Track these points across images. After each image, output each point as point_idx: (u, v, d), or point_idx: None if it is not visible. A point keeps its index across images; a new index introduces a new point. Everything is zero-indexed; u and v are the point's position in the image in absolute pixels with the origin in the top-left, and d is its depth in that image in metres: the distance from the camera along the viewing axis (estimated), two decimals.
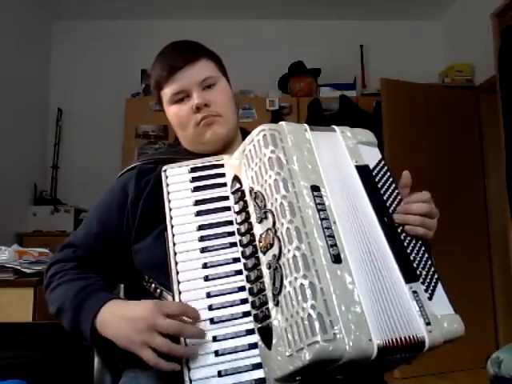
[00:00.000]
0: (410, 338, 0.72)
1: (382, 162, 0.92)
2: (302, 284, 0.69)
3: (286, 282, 0.71)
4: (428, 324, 0.75)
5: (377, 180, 0.89)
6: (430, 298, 0.79)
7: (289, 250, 0.72)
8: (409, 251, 0.83)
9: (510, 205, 2.87)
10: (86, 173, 3.96)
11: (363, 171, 0.88)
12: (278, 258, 0.73)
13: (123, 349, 0.81)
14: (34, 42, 4.03)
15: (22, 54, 3.78)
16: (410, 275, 0.79)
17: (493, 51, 3.07)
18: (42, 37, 4.19)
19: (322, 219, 0.76)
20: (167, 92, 1.04)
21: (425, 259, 0.83)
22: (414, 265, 0.81)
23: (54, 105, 4.16)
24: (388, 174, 0.91)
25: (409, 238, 0.85)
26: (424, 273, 0.81)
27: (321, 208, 0.78)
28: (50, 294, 0.98)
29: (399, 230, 0.84)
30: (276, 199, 0.76)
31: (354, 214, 0.82)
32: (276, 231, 0.75)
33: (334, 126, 0.93)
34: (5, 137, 3.45)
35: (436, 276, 0.82)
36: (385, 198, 0.87)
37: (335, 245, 0.75)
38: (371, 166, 0.90)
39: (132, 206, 0.99)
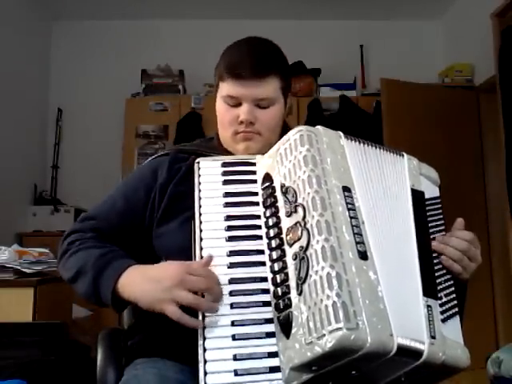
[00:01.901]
0: (411, 342, 0.73)
1: (438, 200, 0.97)
2: (328, 273, 0.70)
3: (311, 272, 0.72)
4: (433, 337, 0.76)
5: (427, 209, 0.93)
6: (443, 321, 0.81)
7: (318, 241, 0.73)
8: (437, 275, 0.86)
9: (510, 205, 2.87)
10: (86, 173, 3.96)
11: (417, 195, 0.92)
12: (305, 249, 0.74)
13: (146, 308, 0.83)
14: (34, 42, 4.03)
15: (22, 54, 3.78)
16: (429, 290, 0.82)
17: (493, 51, 3.07)
18: (42, 37, 4.19)
19: (351, 217, 0.78)
20: (223, 89, 1.04)
21: (450, 290, 0.87)
22: (438, 288, 0.84)
23: (54, 105, 4.16)
24: (439, 211, 0.95)
25: (441, 267, 0.88)
26: (445, 299, 0.84)
27: (351, 207, 0.80)
28: (67, 259, 0.98)
29: (434, 255, 0.88)
30: (308, 193, 0.78)
31: (390, 223, 0.85)
32: (305, 224, 0.76)
33: (403, 153, 0.97)
34: (5, 137, 3.44)
35: (456, 309, 0.86)
36: (430, 225, 0.91)
37: (362, 242, 0.77)
38: (426, 196, 0.94)
39: (160, 189, 1.02)
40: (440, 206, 0.96)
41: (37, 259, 2.07)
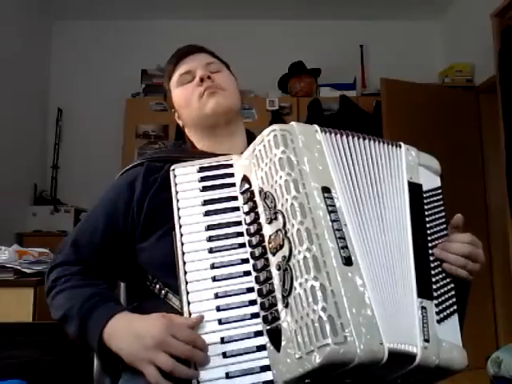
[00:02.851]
0: (403, 346, 0.72)
1: (439, 191, 0.93)
2: (312, 286, 0.68)
3: (296, 284, 0.70)
4: (426, 341, 0.75)
5: (426, 202, 0.90)
6: (438, 322, 0.79)
7: (299, 252, 0.71)
8: (433, 273, 0.84)
9: (510, 205, 2.87)
10: (86, 173, 3.96)
11: (414, 188, 0.89)
12: (287, 259, 0.72)
13: (128, 363, 0.81)
14: (34, 42, 4.03)
15: (23, 54, 3.78)
16: (423, 291, 0.80)
17: (493, 51, 3.07)
18: (42, 37, 4.19)
19: (332, 221, 0.76)
20: (175, 77, 1.10)
21: (448, 288, 0.84)
22: (434, 286, 0.82)
23: (54, 105, 4.16)
24: (440, 203, 0.92)
25: (438, 266, 0.85)
26: (442, 298, 0.82)
27: (331, 210, 0.77)
28: (53, 299, 0.96)
29: (430, 253, 0.85)
30: (286, 200, 0.75)
31: (378, 220, 0.82)
32: (286, 232, 0.74)
33: (401, 143, 0.94)
34: (5, 137, 3.44)
35: (454, 307, 0.83)
36: (427, 219, 0.88)
37: (346, 247, 0.74)
38: (425, 189, 0.91)
39: (138, 203, 0.98)
40: (441, 197, 0.93)
41: (37, 259, 2.07)
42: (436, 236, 0.88)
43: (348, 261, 0.73)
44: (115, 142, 3.88)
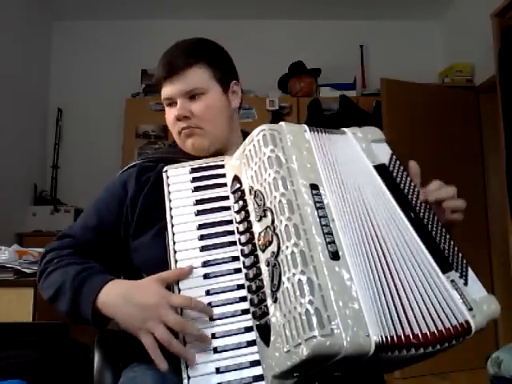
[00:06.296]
0: (450, 327, 0.74)
1: (394, 157, 0.95)
2: (299, 280, 0.69)
3: (284, 279, 0.71)
4: (471, 310, 0.77)
5: (394, 176, 0.91)
6: (465, 284, 0.81)
7: (287, 247, 0.72)
8: (438, 241, 0.84)
9: (510, 205, 2.87)
10: (86, 173, 3.96)
11: (382, 170, 0.91)
12: (276, 255, 0.73)
13: (125, 330, 0.82)
14: (35, 42, 4.03)
15: (23, 54, 3.78)
16: (445, 265, 0.81)
17: (493, 51, 3.08)
18: (42, 37, 4.19)
19: (320, 217, 0.77)
20: (162, 94, 1.07)
21: (452, 246, 0.85)
22: (446, 254, 0.83)
23: (54, 105, 4.16)
24: (402, 167, 0.94)
25: (435, 229, 0.86)
26: (455, 260, 0.83)
27: (319, 206, 0.78)
28: (45, 279, 0.96)
29: (425, 222, 0.86)
30: (275, 197, 0.77)
31: (367, 212, 0.83)
32: (275, 228, 0.75)
33: (344, 129, 0.95)
34: (5, 137, 3.45)
35: (465, 261, 0.84)
36: (405, 191, 0.90)
37: (333, 242, 0.75)
38: (386, 164, 0.93)
39: (131, 202, 1.01)
40: (399, 162, 0.94)
41: (37, 259, 2.07)
42: (421, 206, 0.89)
43: (335, 255, 0.74)
44: (115, 142, 3.88)
